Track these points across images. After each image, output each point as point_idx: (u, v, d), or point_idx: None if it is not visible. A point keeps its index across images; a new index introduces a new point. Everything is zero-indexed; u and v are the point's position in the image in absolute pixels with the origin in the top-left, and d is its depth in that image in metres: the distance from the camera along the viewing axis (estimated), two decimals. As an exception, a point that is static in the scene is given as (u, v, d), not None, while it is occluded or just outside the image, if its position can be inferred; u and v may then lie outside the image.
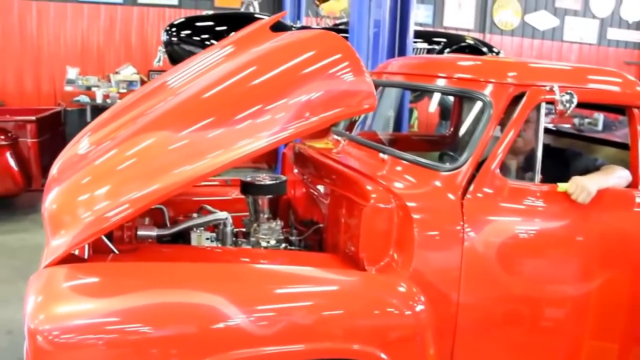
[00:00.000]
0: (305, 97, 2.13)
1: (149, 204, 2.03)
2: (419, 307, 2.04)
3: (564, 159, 2.77)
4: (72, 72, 8.35)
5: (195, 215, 2.89)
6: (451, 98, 4.30)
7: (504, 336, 2.30)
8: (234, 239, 2.76)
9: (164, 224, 2.99)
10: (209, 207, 2.95)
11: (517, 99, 2.28)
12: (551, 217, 2.28)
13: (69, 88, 8.24)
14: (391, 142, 3.37)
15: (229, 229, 2.72)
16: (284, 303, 1.96)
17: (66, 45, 8.75)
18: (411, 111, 9.59)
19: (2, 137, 5.54)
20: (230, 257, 2.39)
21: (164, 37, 6.61)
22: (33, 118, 5.71)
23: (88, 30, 8.82)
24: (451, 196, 2.20)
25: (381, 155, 2.53)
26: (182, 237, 2.70)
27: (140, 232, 2.49)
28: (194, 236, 2.65)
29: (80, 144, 2.61)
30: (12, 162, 5.58)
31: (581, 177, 2.28)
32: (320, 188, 2.87)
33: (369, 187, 2.23)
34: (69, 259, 2.02)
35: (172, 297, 1.89)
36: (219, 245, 2.65)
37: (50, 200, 2.19)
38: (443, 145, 3.45)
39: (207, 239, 2.65)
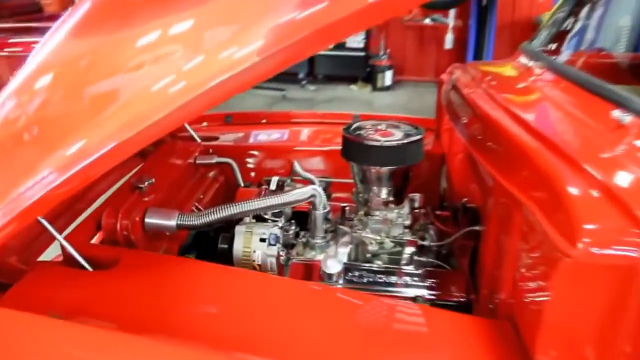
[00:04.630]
0: None
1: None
2: None
3: None
4: None
5: (273, 180, 1.82)
6: None
7: None
8: (326, 231, 1.65)
9: (234, 184, 1.99)
10: (298, 169, 1.85)
11: None
12: None
13: None
14: (630, 74, 1.90)
15: (319, 213, 1.61)
16: None
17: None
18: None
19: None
20: (279, 307, 1.25)
21: None
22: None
23: None
24: None
25: (615, 114, 1.16)
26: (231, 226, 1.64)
27: (149, 220, 1.48)
28: (239, 234, 1.57)
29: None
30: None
31: None
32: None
33: (579, 203, 0.93)
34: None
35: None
36: (281, 252, 1.56)
37: None
38: None
39: (262, 240, 1.55)
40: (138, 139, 1.05)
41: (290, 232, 1.70)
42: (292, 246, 1.70)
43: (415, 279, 1.49)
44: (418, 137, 1.56)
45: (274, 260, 1.53)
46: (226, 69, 0.98)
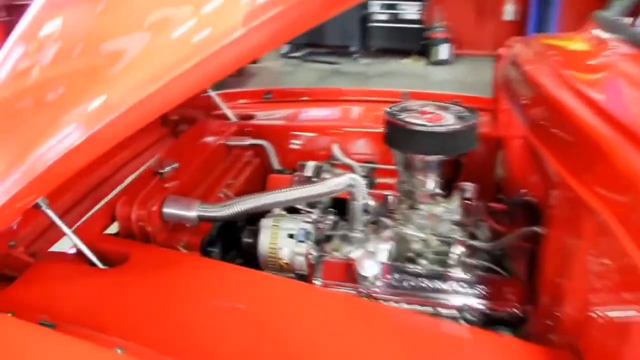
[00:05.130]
0: None
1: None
2: None
3: None
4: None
5: (309, 165, 1.67)
6: None
7: None
8: (365, 222, 1.48)
9: (266, 169, 1.84)
10: (337, 153, 1.68)
11: None
12: None
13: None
14: None
15: (358, 205, 1.44)
16: None
17: None
18: None
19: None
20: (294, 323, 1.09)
21: None
22: None
23: None
24: None
25: None
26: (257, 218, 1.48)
27: (167, 210, 1.35)
28: (264, 228, 1.42)
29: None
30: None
31: None
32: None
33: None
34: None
35: None
36: (311, 248, 1.39)
37: None
38: None
39: (291, 236, 1.40)
40: (164, 95, 0.92)
41: (327, 223, 1.54)
42: (329, 239, 1.54)
43: (463, 284, 1.30)
44: (471, 121, 1.36)
45: (302, 259, 1.38)
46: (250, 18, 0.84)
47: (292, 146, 2.05)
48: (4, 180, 0.95)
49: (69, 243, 1.40)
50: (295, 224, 1.41)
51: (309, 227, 1.41)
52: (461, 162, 1.45)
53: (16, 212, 1.04)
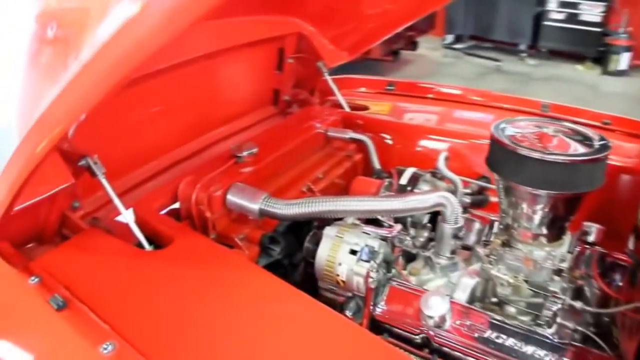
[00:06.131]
0: None
1: None
2: None
3: None
4: None
5: (407, 172, 1.49)
6: None
7: None
8: (455, 248, 1.28)
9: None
10: (441, 165, 1.49)
11: None
12: None
13: None
14: None
15: (448, 228, 1.24)
16: None
17: None
18: None
19: None
20: None
21: None
22: None
23: None
24: None
25: None
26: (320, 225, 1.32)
27: (231, 198, 1.25)
28: (326, 238, 1.24)
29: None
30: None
31: None
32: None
33: None
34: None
35: None
36: (373, 270, 1.18)
37: None
38: None
39: (353, 252, 1.21)
40: None
41: (419, 240, 1.38)
42: (412, 258, 1.36)
43: (549, 353, 1.06)
44: (599, 154, 1.09)
45: (361, 280, 1.20)
46: None
47: (418, 148, 1.85)
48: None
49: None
50: (361, 239, 1.22)
51: (377, 244, 1.22)
52: (579, 201, 1.17)
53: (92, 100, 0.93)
